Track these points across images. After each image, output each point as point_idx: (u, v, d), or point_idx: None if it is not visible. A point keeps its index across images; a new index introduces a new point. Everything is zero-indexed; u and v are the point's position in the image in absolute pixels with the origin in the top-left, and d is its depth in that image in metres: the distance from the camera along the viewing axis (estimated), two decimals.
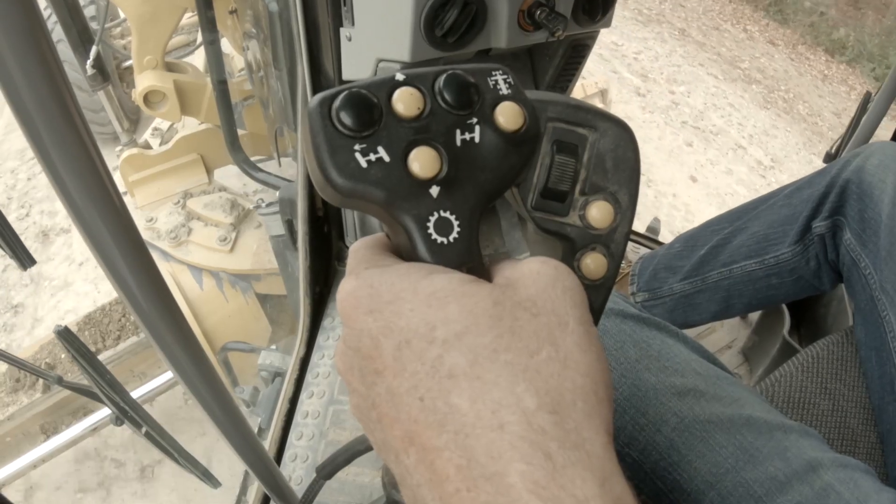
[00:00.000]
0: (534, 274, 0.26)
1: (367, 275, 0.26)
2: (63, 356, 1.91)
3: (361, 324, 0.25)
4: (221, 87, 1.49)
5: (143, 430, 1.02)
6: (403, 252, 0.29)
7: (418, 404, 0.23)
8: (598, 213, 0.31)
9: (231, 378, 1.85)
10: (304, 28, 0.73)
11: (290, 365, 0.98)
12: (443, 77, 0.28)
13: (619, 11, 5.65)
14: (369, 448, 0.45)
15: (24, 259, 0.86)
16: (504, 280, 0.26)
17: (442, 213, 0.27)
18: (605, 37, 5.11)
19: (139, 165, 1.94)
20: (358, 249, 0.30)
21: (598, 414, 0.23)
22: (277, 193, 1.18)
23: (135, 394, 1.83)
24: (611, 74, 4.67)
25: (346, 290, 0.26)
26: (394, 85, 0.28)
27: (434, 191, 0.27)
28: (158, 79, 1.71)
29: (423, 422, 0.23)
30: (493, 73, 0.29)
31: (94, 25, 1.68)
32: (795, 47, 6.23)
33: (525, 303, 0.25)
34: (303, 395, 0.93)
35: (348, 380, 0.27)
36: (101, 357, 1.40)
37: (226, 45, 1.78)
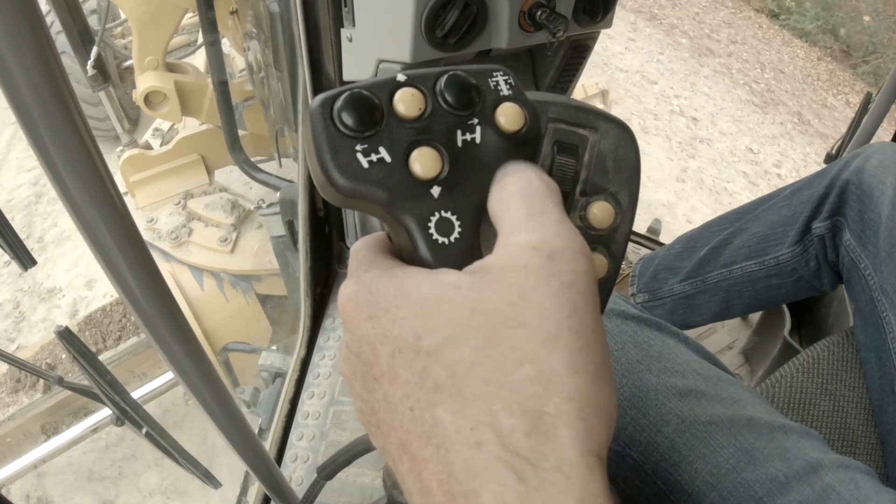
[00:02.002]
0: (521, 269, 0.23)
1: (366, 278, 0.26)
2: (64, 356, 1.91)
3: (362, 329, 0.25)
4: (222, 87, 1.49)
5: (144, 430, 1.03)
6: (405, 252, 0.29)
7: (409, 414, 0.23)
8: (599, 213, 0.31)
9: (232, 379, 1.85)
10: (304, 29, 0.73)
11: (291, 366, 0.98)
12: (444, 78, 0.28)
13: (733, 93, 5.40)
14: (370, 448, 0.45)
15: (25, 259, 0.86)
16: (484, 281, 0.24)
17: (443, 214, 0.27)
18: (738, 140, 4.68)
19: (140, 166, 1.94)
20: (359, 251, 0.29)
21: (585, 438, 0.21)
22: (278, 194, 1.18)
23: (135, 394, 1.83)
24: None
25: (347, 294, 0.26)
26: (395, 86, 0.27)
27: (435, 191, 0.27)
28: (159, 79, 1.71)
29: (413, 432, 0.23)
30: (494, 73, 0.29)
31: (94, 25, 1.68)
32: None
33: (505, 310, 0.22)
34: (303, 396, 0.93)
35: (352, 384, 0.27)
36: (101, 357, 1.40)
37: (226, 45, 1.78)
